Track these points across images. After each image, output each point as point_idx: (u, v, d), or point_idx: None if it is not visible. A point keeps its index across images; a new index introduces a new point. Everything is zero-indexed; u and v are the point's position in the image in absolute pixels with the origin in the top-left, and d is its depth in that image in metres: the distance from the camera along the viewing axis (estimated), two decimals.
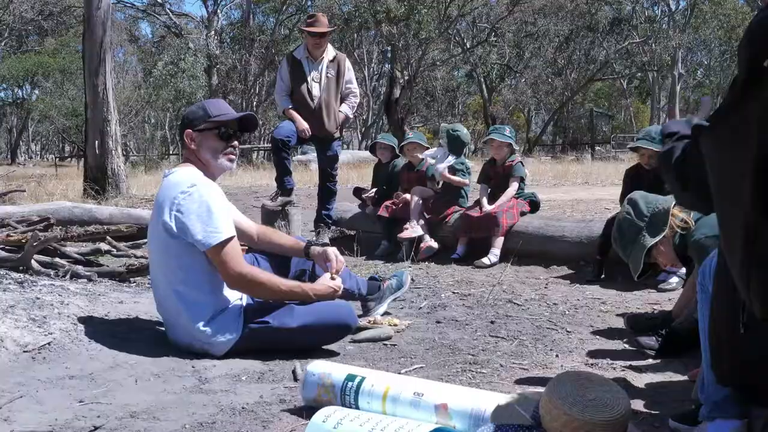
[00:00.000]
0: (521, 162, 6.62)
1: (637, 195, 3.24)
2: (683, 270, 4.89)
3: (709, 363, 2.22)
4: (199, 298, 3.20)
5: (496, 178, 6.55)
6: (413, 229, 6.47)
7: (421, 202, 6.66)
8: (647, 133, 5.53)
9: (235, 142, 3.42)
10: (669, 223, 3.08)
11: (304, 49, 7.01)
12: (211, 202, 3.18)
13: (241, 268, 3.20)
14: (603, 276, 5.37)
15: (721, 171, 1.73)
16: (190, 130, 3.32)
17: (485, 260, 6.01)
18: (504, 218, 6.14)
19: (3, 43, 39.28)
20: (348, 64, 7.18)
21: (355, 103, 7.23)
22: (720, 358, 2.03)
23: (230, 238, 3.20)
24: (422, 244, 6.46)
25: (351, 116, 7.28)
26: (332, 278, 3.49)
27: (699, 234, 3.02)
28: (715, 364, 2.07)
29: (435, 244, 6.49)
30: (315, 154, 8.17)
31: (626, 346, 3.59)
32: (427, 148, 6.99)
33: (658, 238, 3.08)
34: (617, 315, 4.28)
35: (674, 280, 4.93)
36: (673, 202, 3.13)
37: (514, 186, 6.42)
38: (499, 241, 6.12)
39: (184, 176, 3.25)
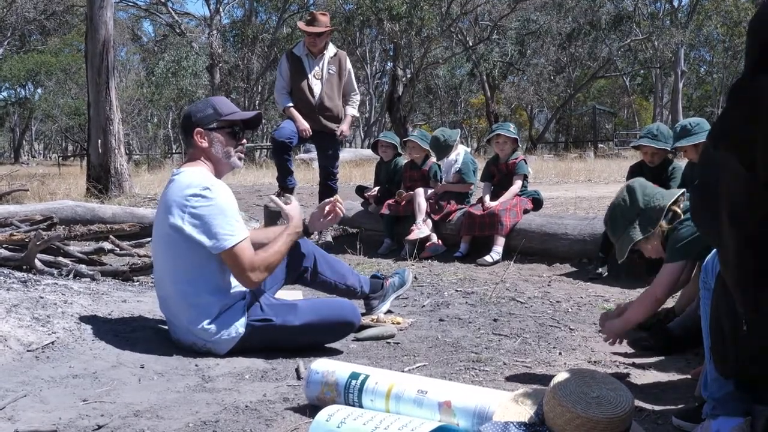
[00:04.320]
0: (524, 160, 6.62)
1: (637, 183, 3.20)
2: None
3: (711, 359, 2.22)
4: (203, 297, 3.20)
5: (500, 175, 6.55)
6: (420, 230, 6.47)
7: (424, 201, 6.67)
8: (649, 130, 5.55)
9: (244, 140, 3.46)
10: (661, 221, 3.05)
11: (304, 45, 7.01)
12: (225, 205, 3.18)
13: (253, 264, 3.20)
14: (606, 273, 5.38)
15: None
16: (201, 129, 3.31)
17: (487, 258, 6.01)
18: (507, 216, 6.14)
19: (6, 43, 39.30)
20: (349, 62, 7.18)
21: (357, 102, 7.24)
22: (723, 353, 2.03)
23: (244, 239, 3.20)
24: (428, 243, 6.46)
25: (357, 115, 7.29)
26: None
27: (681, 226, 3.00)
28: (718, 359, 2.07)
29: (441, 244, 6.50)
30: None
31: (627, 343, 3.58)
32: (428, 149, 6.98)
33: (647, 235, 3.05)
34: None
35: None
36: (672, 200, 3.11)
37: (517, 184, 6.42)
38: (501, 239, 6.11)
39: (195, 177, 3.23)
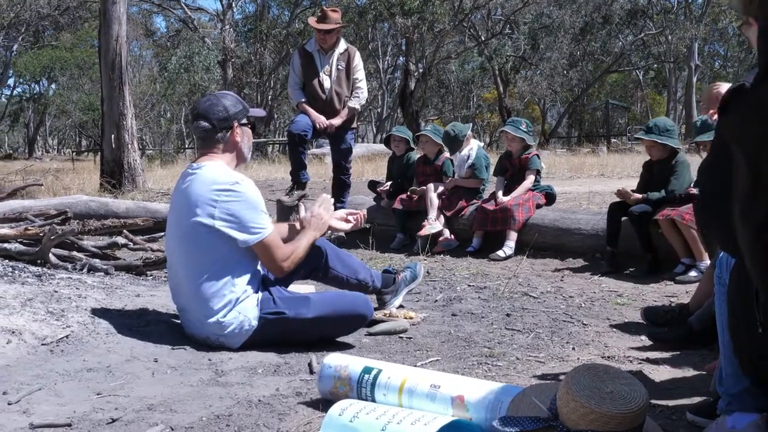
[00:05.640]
0: (537, 155, 6.60)
1: None
2: (702, 263, 4.88)
3: (726, 355, 2.21)
4: (217, 291, 3.21)
5: (512, 170, 6.53)
6: (431, 225, 6.47)
7: (436, 196, 6.67)
8: (646, 124, 5.56)
9: None
10: None
11: (315, 41, 7.03)
12: (255, 198, 3.27)
13: (284, 255, 3.32)
14: (608, 269, 5.39)
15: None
16: (237, 124, 3.37)
17: (500, 253, 6.00)
18: (519, 212, 6.13)
19: (20, 39, 39.45)
20: (358, 57, 7.18)
21: (361, 96, 7.19)
22: (741, 351, 2.02)
23: (272, 230, 3.30)
24: (441, 238, 6.46)
25: (358, 108, 7.28)
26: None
27: None
28: (740, 356, 2.05)
29: (454, 239, 6.50)
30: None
31: (643, 338, 3.57)
32: (441, 144, 6.96)
33: None
34: (634, 308, 4.26)
35: (693, 273, 4.92)
36: None
37: (530, 178, 6.40)
38: (514, 234, 6.11)
39: (219, 172, 3.27)
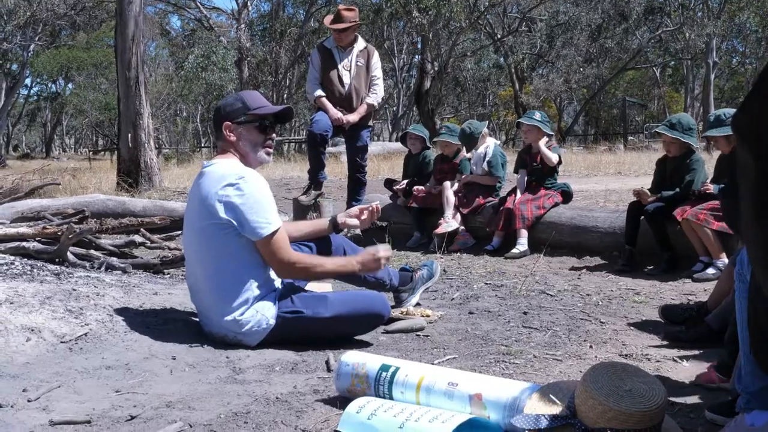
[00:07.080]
0: (557, 146, 6.59)
1: None
2: (720, 261, 4.85)
3: (745, 353, 2.19)
4: (234, 289, 3.22)
5: (532, 164, 6.51)
6: (447, 224, 6.47)
7: (453, 194, 6.67)
8: (668, 119, 5.53)
9: (273, 135, 3.45)
10: None
11: (334, 38, 7.06)
12: (261, 193, 3.19)
13: (290, 257, 3.24)
14: (633, 266, 5.37)
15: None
16: (229, 122, 3.32)
17: (514, 251, 6.00)
18: (528, 209, 6.12)
19: (37, 39, 39.72)
20: (376, 56, 7.20)
21: (378, 93, 7.20)
22: (759, 348, 2.00)
23: (278, 229, 3.22)
24: (457, 236, 6.46)
25: (376, 105, 7.29)
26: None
27: None
28: (758, 353, 2.04)
29: (471, 237, 6.50)
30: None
31: (661, 337, 3.55)
32: (458, 145, 6.97)
33: None
34: (652, 306, 4.24)
35: (711, 271, 4.89)
36: None
37: (554, 156, 6.36)
38: (524, 232, 6.13)
39: (228, 168, 3.24)
